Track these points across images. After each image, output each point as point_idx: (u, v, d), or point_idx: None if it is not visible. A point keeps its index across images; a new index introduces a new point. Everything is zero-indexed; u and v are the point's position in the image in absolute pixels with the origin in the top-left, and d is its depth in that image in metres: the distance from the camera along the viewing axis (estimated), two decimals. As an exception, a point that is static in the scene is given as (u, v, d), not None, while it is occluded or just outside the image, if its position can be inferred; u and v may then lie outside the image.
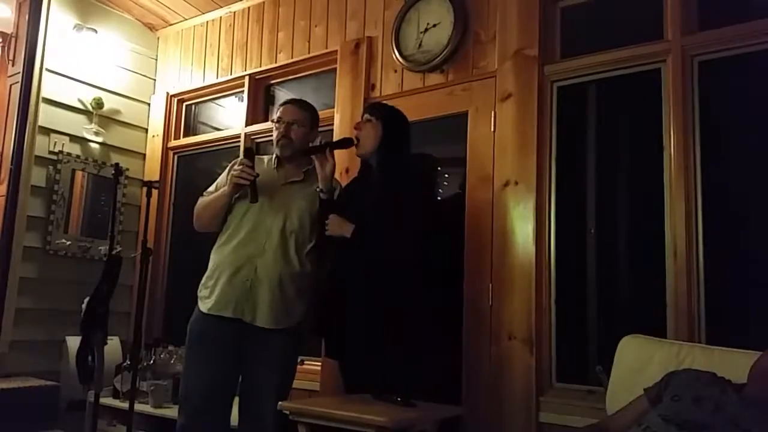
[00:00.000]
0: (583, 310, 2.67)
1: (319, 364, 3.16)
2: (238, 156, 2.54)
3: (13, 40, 4.20)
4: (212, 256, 2.55)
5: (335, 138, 3.27)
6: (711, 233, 2.37)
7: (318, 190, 2.48)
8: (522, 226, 2.70)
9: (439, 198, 3.11)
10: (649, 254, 2.49)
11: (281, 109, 2.64)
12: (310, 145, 2.56)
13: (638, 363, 2.07)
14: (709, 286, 2.34)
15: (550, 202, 2.72)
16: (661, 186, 2.47)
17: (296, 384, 2.77)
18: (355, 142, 2.55)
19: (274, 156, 2.64)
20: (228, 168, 2.64)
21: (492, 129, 2.88)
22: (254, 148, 2.56)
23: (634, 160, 2.74)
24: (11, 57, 4.18)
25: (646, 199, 2.58)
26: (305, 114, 2.63)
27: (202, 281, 2.53)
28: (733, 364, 1.86)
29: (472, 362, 2.75)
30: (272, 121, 2.64)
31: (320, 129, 3.54)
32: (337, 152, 2.56)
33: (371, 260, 2.35)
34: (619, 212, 2.74)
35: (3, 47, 4.51)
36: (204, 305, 2.47)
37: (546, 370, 2.61)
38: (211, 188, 2.64)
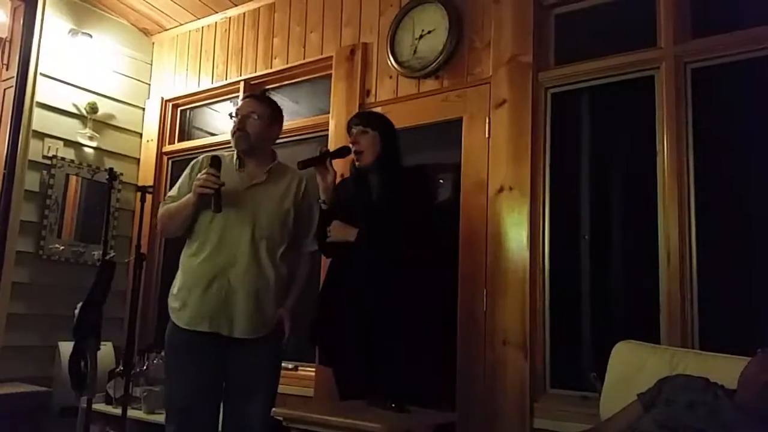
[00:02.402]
0: (577, 315, 2.68)
1: (313, 370, 3.16)
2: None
3: (7, 44, 4.18)
4: (181, 266, 2.47)
5: (332, 146, 3.27)
6: (704, 239, 2.38)
7: (320, 201, 2.45)
8: (516, 232, 2.71)
9: (434, 204, 3.11)
10: (643, 260, 2.51)
11: (239, 103, 2.57)
12: (312, 155, 2.50)
13: (632, 369, 2.08)
14: (702, 292, 2.35)
15: (544, 207, 2.73)
16: (654, 192, 2.48)
17: (290, 390, 2.78)
18: (353, 154, 2.52)
19: (234, 155, 2.53)
20: (189, 170, 2.55)
21: (486, 135, 2.89)
22: (220, 157, 2.45)
23: (627, 167, 2.75)
24: (5, 61, 4.16)
25: (639, 205, 2.59)
26: (262, 106, 2.52)
27: (173, 291, 2.45)
28: (726, 369, 1.86)
29: (466, 368, 2.75)
30: (230, 116, 2.54)
31: (316, 135, 3.60)
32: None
33: (374, 264, 2.35)
34: (612, 218, 2.75)
35: (-3, 51, 4.50)
36: (178, 319, 2.40)
37: (540, 375, 2.61)
38: (173, 192, 2.53)
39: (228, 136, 3.90)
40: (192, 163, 2.57)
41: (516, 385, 2.59)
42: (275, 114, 2.58)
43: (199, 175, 2.39)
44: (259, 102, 2.56)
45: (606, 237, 2.72)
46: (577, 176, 2.77)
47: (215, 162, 2.39)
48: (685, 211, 2.40)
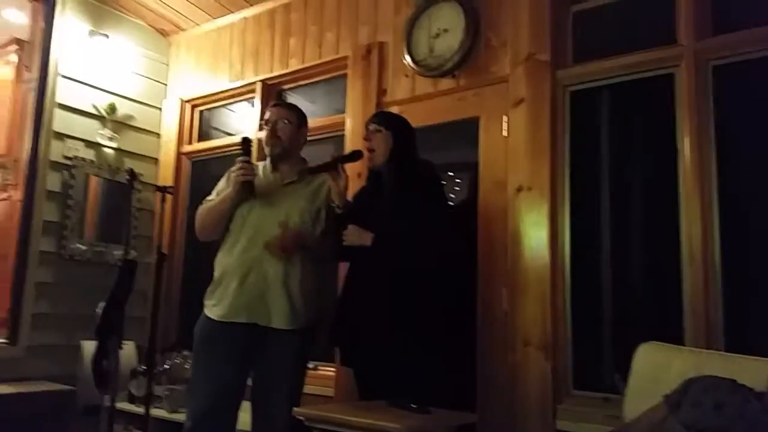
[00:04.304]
0: (599, 316, 2.66)
1: (334, 369, 3.18)
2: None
3: (28, 46, 4.24)
4: (217, 263, 2.56)
5: (348, 146, 3.29)
6: (728, 238, 2.36)
7: (334, 206, 2.48)
8: (536, 232, 2.70)
9: (451, 204, 3.11)
10: (666, 260, 2.49)
11: (267, 112, 2.68)
12: (323, 161, 2.55)
13: (656, 370, 2.06)
14: (727, 292, 2.32)
15: (564, 207, 2.71)
16: (676, 191, 2.46)
17: (311, 390, 2.79)
18: (366, 153, 2.55)
19: (268, 160, 2.67)
20: (227, 173, 2.65)
21: (504, 134, 2.88)
22: (249, 139, 2.60)
23: (648, 165, 2.73)
24: (26, 63, 4.22)
25: (661, 203, 2.57)
26: (290, 112, 2.66)
27: (210, 288, 2.53)
28: (753, 371, 1.85)
29: (487, 369, 2.75)
30: (260, 125, 2.67)
31: (332, 134, 3.61)
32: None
33: (391, 268, 2.36)
34: (634, 217, 2.72)
35: (19, 54, 4.56)
36: (213, 312, 2.47)
37: (562, 377, 2.60)
38: (211, 196, 2.65)
39: (247, 136, 3.97)
40: (229, 170, 2.66)
41: (538, 386, 2.58)
42: (301, 119, 2.70)
43: (233, 169, 2.52)
44: (286, 108, 2.70)
45: (628, 236, 2.70)
46: (598, 175, 2.74)
47: (246, 143, 2.55)
48: (708, 210, 2.38)
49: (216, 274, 2.54)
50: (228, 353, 2.44)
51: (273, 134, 2.59)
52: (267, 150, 2.63)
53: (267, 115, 2.65)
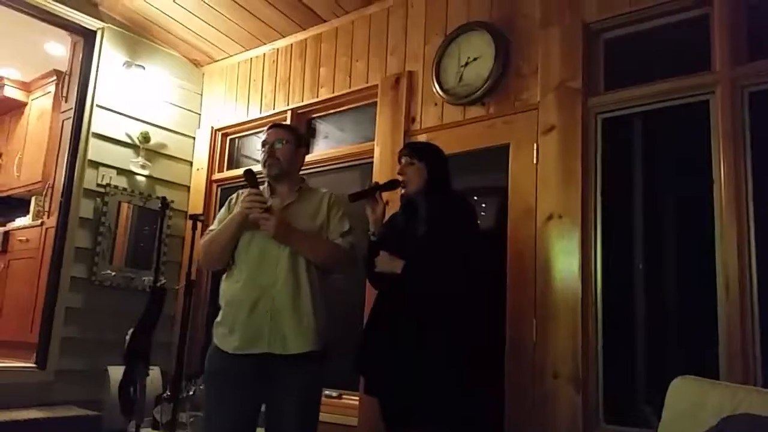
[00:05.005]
0: (631, 348, 2.58)
1: (357, 398, 3.13)
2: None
3: (66, 77, 4.38)
4: (223, 293, 2.49)
5: (376, 173, 3.29)
6: (765, 268, 2.27)
7: (369, 233, 2.48)
8: (567, 261, 2.64)
9: (481, 231, 3.06)
10: (701, 291, 2.41)
11: (264, 134, 2.62)
12: (361, 188, 2.53)
13: (691, 406, 1.97)
14: (765, 325, 2.24)
15: (595, 236, 2.65)
16: (711, 220, 2.40)
17: (333, 419, 2.74)
18: (401, 184, 2.54)
19: (266, 183, 2.59)
20: (226, 205, 2.60)
21: (534, 161, 2.85)
22: (252, 170, 2.49)
23: (682, 194, 2.67)
24: (64, 94, 4.36)
25: (696, 233, 2.50)
26: (288, 132, 2.60)
27: (218, 319, 2.46)
28: (795, 409, 1.75)
29: (515, 401, 2.68)
30: (259, 149, 2.60)
31: (361, 162, 3.62)
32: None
33: (421, 295, 2.33)
34: (668, 247, 2.66)
35: (57, 84, 4.71)
36: (225, 344, 2.39)
37: (593, 410, 2.52)
38: (214, 226, 2.57)
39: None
40: (229, 198, 2.63)
41: (567, 420, 2.51)
42: (300, 139, 2.65)
43: (243, 197, 2.43)
44: (284, 129, 2.64)
45: (661, 266, 2.63)
46: (630, 203, 2.69)
47: (250, 175, 2.45)
48: (744, 240, 2.31)
49: (223, 304, 2.47)
50: (241, 385, 2.36)
51: (271, 155, 2.52)
52: (265, 171, 2.55)
53: (264, 137, 2.59)
